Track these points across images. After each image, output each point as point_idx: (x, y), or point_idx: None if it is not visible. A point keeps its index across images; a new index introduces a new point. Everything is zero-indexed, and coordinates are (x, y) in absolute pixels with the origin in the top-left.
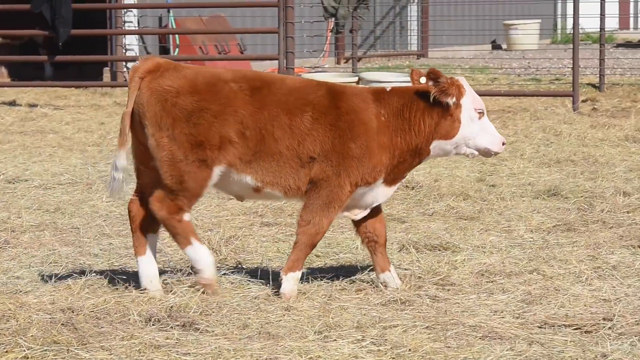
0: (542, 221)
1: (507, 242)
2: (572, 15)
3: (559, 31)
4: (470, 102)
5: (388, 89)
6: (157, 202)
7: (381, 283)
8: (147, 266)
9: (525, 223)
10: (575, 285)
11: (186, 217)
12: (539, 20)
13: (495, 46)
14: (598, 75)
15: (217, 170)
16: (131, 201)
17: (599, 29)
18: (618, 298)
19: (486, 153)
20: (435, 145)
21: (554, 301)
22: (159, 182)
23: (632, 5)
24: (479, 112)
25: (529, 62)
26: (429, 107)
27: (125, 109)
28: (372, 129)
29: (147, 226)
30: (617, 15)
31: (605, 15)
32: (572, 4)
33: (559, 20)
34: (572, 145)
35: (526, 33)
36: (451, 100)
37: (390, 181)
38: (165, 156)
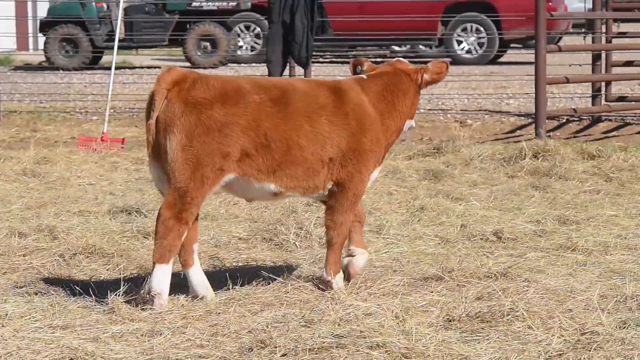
0: None
1: None
2: None
3: None
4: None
5: (365, 76)
6: (168, 209)
7: (351, 254)
8: (199, 275)
9: None
10: None
11: (184, 234)
12: None
13: None
14: None
15: (226, 179)
16: None
17: None
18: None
19: (411, 129)
20: (405, 124)
21: None
22: (174, 188)
23: (30, 23)
24: None
25: None
26: (405, 88)
27: (150, 120)
28: (373, 118)
29: (190, 237)
30: (14, 35)
31: None
32: None
33: None
34: None
35: None
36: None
37: (379, 163)
38: (190, 160)
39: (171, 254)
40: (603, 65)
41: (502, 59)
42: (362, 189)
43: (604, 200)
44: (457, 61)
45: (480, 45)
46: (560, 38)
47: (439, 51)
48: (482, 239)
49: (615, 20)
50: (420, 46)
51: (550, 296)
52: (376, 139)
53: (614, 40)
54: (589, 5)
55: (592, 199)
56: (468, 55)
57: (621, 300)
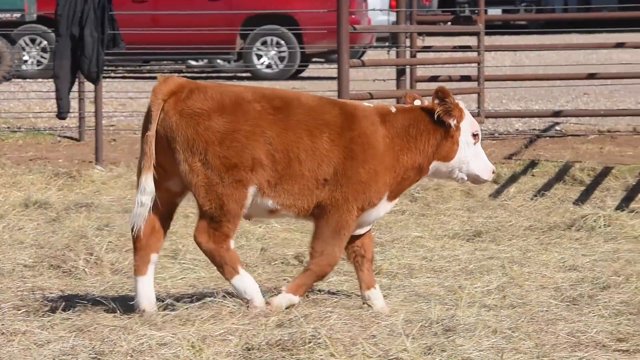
0: None
1: None
2: None
3: None
4: (468, 126)
5: (393, 110)
6: (202, 234)
7: (366, 300)
8: (147, 287)
9: None
10: None
11: (232, 244)
12: None
13: None
14: None
15: (251, 190)
16: None
17: None
18: None
19: (476, 180)
20: (434, 165)
21: None
22: (201, 211)
23: None
24: (475, 137)
25: None
26: (432, 127)
27: (149, 132)
28: (380, 152)
29: (151, 245)
30: None
31: None
32: None
33: None
34: None
35: None
36: (453, 122)
37: (392, 197)
38: (201, 181)
39: (235, 265)
40: (408, 81)
41: (303, 74)
42: (347, 221)
43: (409, 221)
44: (257, 76)
45: (281, 59)
46: (363, 52)
47: (237, 66)
48: (283, 262)
49: (419, 34)
50: (219, 61)
51: (354, 322)
52: (374, 171)
53: (419, 55)
54: (393, 18)
55: (396, 219)
56: (268, 70)
57: (426, 325)
